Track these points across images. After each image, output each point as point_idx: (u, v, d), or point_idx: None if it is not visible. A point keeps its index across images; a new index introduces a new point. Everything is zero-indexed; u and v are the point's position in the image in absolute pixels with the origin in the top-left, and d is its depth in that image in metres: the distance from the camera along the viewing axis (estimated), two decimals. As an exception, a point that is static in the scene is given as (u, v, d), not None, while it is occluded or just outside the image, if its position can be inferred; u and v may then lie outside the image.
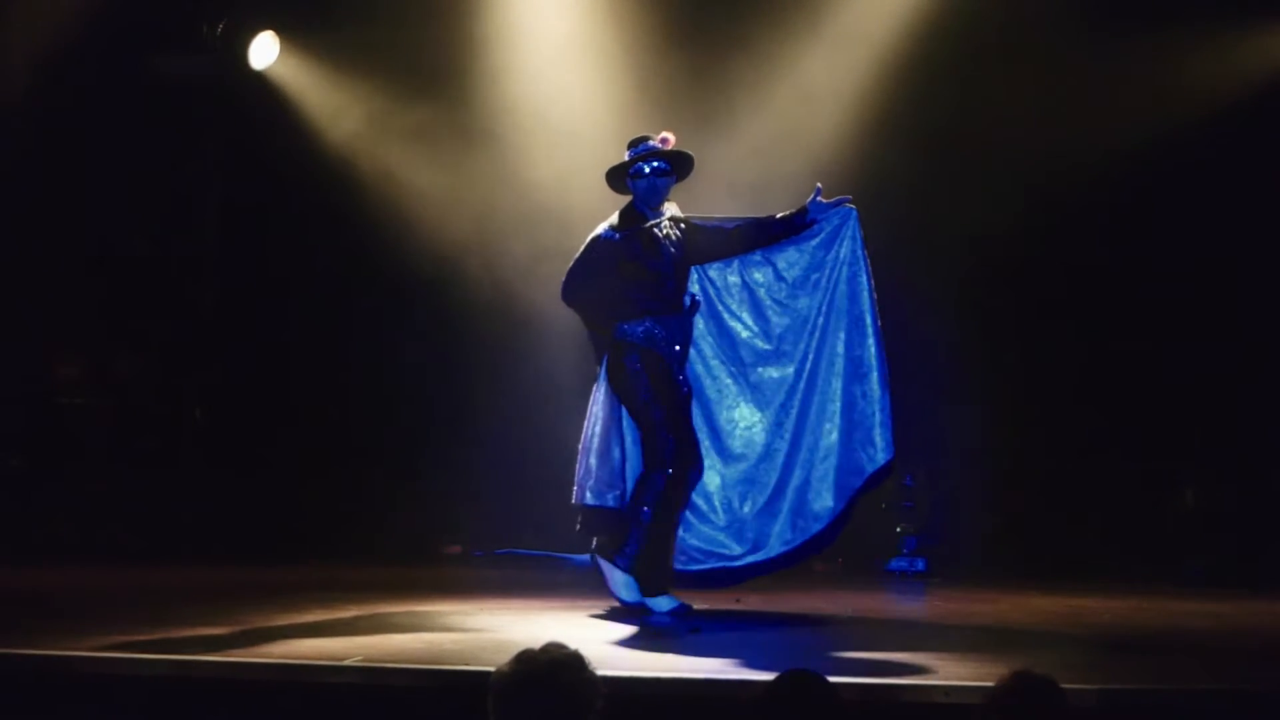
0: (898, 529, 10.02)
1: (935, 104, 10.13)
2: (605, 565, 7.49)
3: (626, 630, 6.99)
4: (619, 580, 7.45)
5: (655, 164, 7.51)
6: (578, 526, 7.66)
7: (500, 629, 6.86)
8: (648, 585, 7.42)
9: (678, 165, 7.59)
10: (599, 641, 6.53)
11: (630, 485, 7.47)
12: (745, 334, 7.73)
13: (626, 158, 7.58)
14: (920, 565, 9.89)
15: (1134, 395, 10.16)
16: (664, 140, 7.56)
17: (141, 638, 6.17)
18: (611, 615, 7.40)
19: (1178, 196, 10.09)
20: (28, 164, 10.27)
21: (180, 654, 5.81)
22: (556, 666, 3.53)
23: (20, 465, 10.48)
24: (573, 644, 3.63)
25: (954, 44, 10.05)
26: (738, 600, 7.90)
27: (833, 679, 4.08)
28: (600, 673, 3.61)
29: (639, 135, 7.65)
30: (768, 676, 4.08)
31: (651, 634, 6.98)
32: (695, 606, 7.52)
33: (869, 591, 9.22)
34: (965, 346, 10.06)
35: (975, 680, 5.43)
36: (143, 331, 10.93)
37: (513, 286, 10.02)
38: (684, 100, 9.90)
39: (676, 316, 7.53)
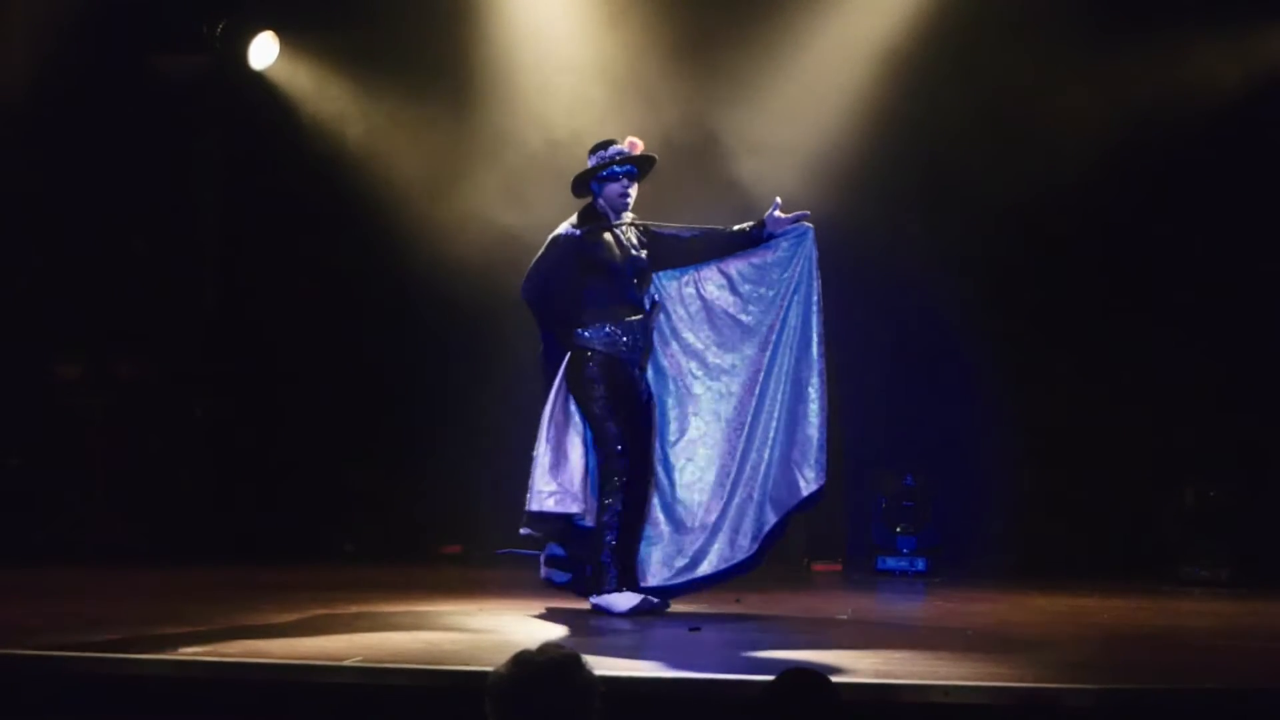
0: (897, 529, 10.01)
1: (938, 100, 10.15)
2: (597, 601, 7.37)
3: (625, 630, 6.99)
4: (615, 602, 7.34)
5: (627, 168, 7.54)
6: (525, 530, 7.49)
7: (500, 629, 6.87)
8: (633, 586, 7.43)
9: (645, 168, 7.65)
10: (597, 641, 6.53)
11: (594, 500, 7.39)
12: (698, 346, 7.61)
13: (591, 162, 7.58)
14: (920, 565, 9.88)
15: (1134, 395, 10.16)
16: (632, 145, 7.57)
17: (142, 638, 6.16)
18: (610, 615, 7.38)
19: (1177, 198, 10.09)
20: (28, 163, 10.26)
21: (180, 654, 5.81)
22: (554, 667, 3.53)
23: (20, 465, 10.47)
24: (570, 644, 3.63)
25: (957, 38, 10.06)
26: (738, 600, 7.90)
27: (833, 679, 4.08)
28: (598, 673, 3.61)
29: (604, 139, 7.64)
30: (767, 676, 4.08)
31: (650, 633, 6.98)
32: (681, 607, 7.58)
33: (869, 591, 9.23)
34: (965, 347, 10.05)
35: (975, 680, 5.43)
36: (143, 331, 10.92)
37: (515, 284, 9.99)
38: (688, 91, 9.93)
39: (639, 319, 7.52)
